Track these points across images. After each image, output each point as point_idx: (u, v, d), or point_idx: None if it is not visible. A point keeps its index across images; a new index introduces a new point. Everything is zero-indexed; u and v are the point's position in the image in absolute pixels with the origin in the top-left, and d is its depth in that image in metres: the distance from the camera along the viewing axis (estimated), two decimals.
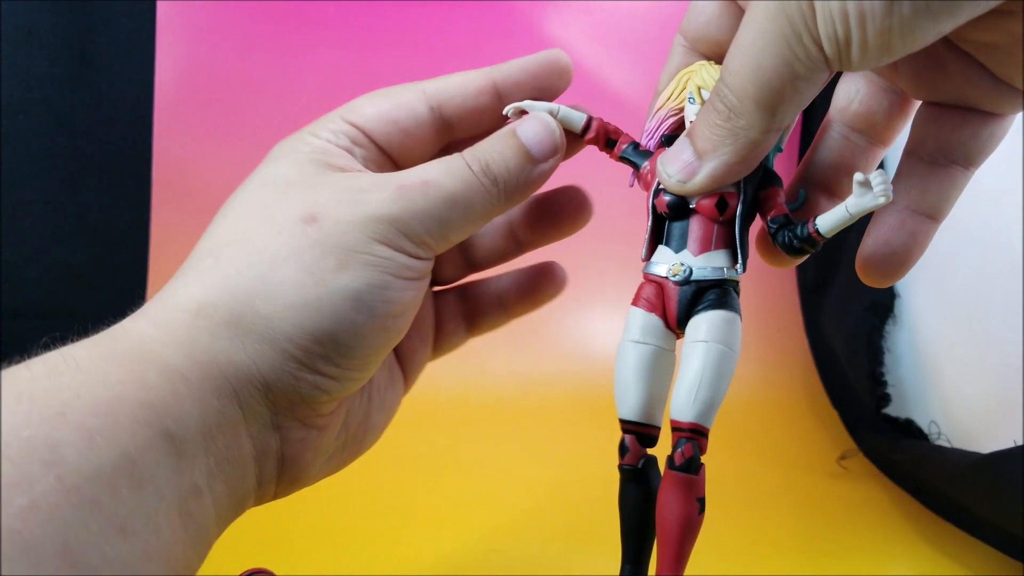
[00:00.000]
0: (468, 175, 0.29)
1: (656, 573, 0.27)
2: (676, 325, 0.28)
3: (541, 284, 0.36)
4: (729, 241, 0.28)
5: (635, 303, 0.29)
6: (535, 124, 0.30)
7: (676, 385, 0.27)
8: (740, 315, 0.28)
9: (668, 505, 0.26)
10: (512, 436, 0.70)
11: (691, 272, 0.28)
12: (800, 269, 0.81)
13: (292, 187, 0.29)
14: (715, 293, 0.28)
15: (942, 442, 0.62)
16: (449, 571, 0.47)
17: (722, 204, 0.28)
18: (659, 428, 0.29)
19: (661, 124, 0.30)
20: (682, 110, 0.30)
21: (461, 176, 0.29)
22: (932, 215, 0.28)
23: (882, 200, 0.25)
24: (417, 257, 0.28)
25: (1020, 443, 0.51)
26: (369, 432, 0.33)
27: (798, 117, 0.31)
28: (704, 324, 0.27)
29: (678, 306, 0.28)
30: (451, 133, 0.32)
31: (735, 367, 0.27)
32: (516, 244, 0.36)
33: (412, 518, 0.54)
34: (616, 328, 0.29)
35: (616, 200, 0.33)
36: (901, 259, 0.28)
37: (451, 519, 0.54)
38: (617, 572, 0.29)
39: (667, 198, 0.28)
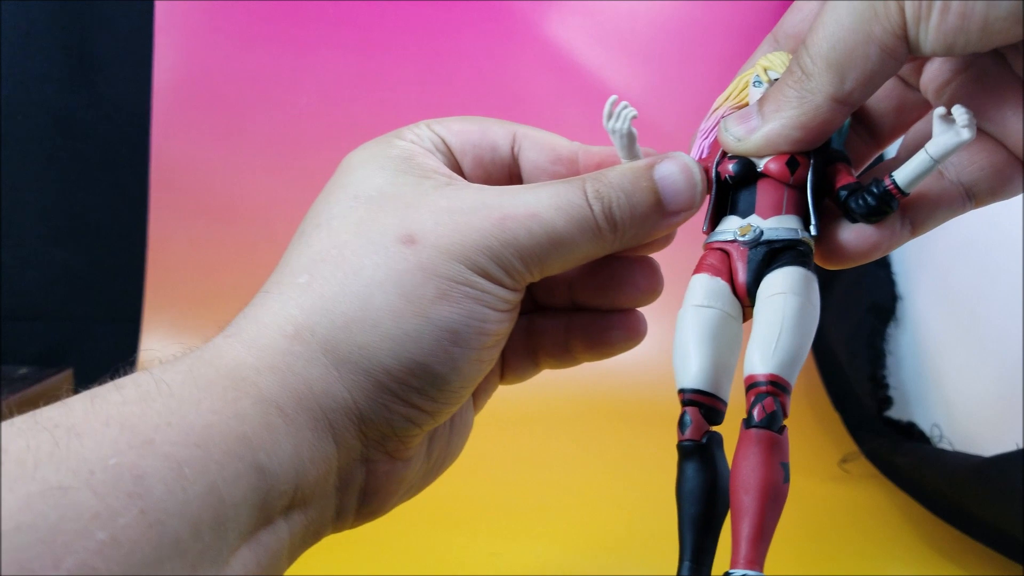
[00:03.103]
0: (585, 215, 0.26)
1: (734, 555, 0.23)
2: (745, 293, 0.25)
3: (614, 335, 0.31)
4: (801, 207, 0.26)
5: (697, 271, 0.26)
6: (676, 170, 0.27)
7: (750, 342, 0.24)
8: (817, 280, 0.25)
9: (746, 470, 0.23)
10: (514, 439, 0.70)
11: (762, 233, 0.26)
12: None
13: (387, 200, 0.27)
14: (789, 254, 0.25)
15: (944, 445, 0.62)
16: (450, 573, 0.47)
17: (793, 163, 0.26)
18: (726, 403, 0.25)
19: (720, 122, 0.28)
20: (746, 105, 0.28)
21: (576, 215, 0.26)
22: (911, 219, 0.26)
23: (966, 135, 0.23)
24: (513, 289, 0.27)
25: (1022, 446, 0.51)
26: (448, 457, 0.32)
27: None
28: (780, 277, 0.25)
29: (747, 269, 0.25)
30: (519, 181, 0.31)
31: (816, 327, 0.24)
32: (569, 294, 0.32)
33: (413, 520, 0.54)
34: None
35: None
36: (862, 254, 0.26)
37: (452, 522, 0.54)
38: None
39: (731, 164, 0.26)
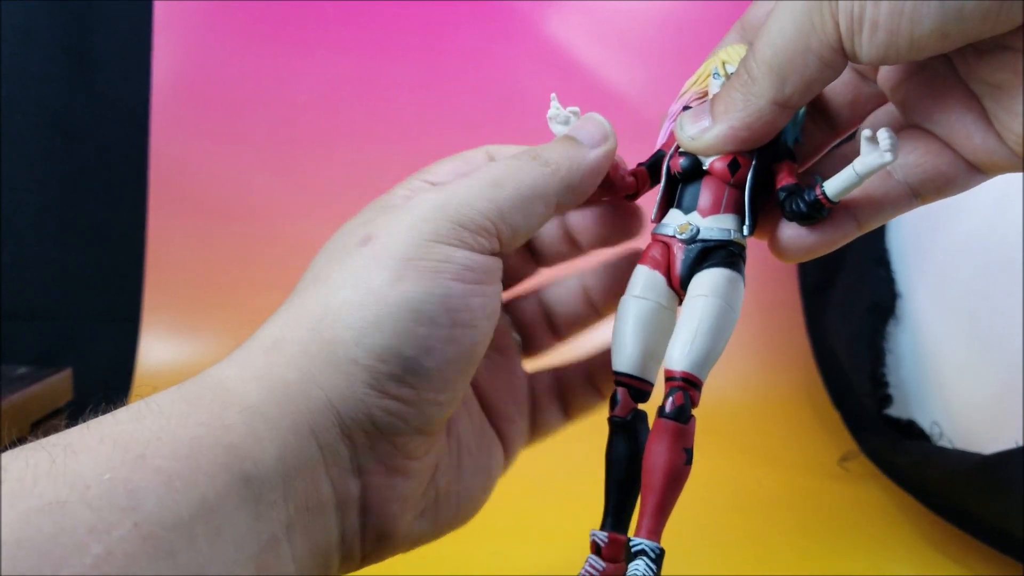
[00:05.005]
0: (513, 160, 0.29)
1: (637, 526, 0.26)
2: (679, 284, 0.28)
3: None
4: (738, 206, 0.28)
5: (641, 261, 0.29)
6: (582, 122, 0.31)
7: (672, 337, 0.27)
8: (743, 278, 0.28)
9: (654, 453, 0.26)
10: None
11: (698, 232, 0.28)
12: (801, 270, 0.81)
13: (355, 222, 0.29)
14: (720, 254, 0.28)
15: (944, 443, 0.62)
16: (450, 572, 0.47)
17: (734, 165, 0.28)
18: (652, 385, 0.29)
19: (676, 118, 0.30)
20: (706, 93, 0.29)
21: (507, 161, 0.29)
22: (857, 217, 0.28)
23: (888, 157, 0.24)
24: (480, 250, 0.27)
25: (1022, 444, 0.51)
26: (463, 496, 0.33)
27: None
28: (706, 279, 0.27)
29: (682, 265, 0.28)
30: None
31: (734, 327, 0.27)
32: (573, 245, 0.35)
33: None
34: None
35: None
36: (808, 251, 0.28)
37: None
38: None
39: (681, 159, 0.29)
